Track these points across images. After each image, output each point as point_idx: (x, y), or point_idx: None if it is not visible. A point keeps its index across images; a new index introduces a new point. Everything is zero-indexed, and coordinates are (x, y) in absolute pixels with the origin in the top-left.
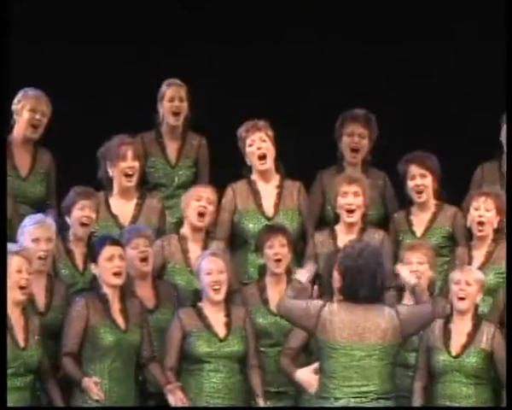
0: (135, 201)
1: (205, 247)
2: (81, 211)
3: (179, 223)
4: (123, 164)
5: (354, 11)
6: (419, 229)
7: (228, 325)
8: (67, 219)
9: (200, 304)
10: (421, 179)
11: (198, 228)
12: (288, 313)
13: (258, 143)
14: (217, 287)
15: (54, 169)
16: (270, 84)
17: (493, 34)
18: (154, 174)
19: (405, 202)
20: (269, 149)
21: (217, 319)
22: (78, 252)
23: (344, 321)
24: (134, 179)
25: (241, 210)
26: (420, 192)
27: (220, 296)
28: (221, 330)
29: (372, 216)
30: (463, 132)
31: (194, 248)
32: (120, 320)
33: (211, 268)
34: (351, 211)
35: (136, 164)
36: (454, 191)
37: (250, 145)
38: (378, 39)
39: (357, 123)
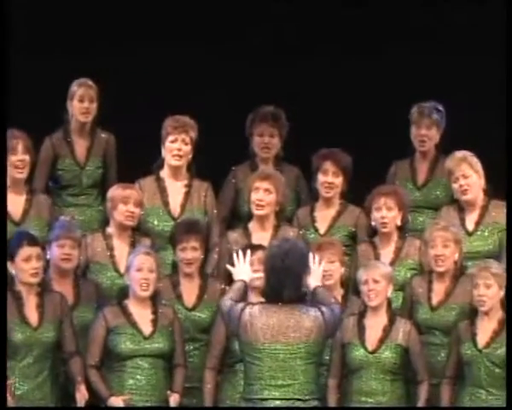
0: (24, 196)
1: (132, 244)
2: None
3: (104, 221)
4: (13, 157)
5: (259, 8)
6: (322, 226)
7: (154, 322)
8: None
9: (125, 301)
10: (332, 177)
11: (125, 228)
12: (222, 314)
13: (179, 145)
14: (145, 285)
15: None
16: (181, 82)
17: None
18: (64, 176)
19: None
20: (188, 152)
21: (143, 316)
22: None
23: (266, 322)
24: (24, 171)
25: (147, 207)
26: (330, 189)
27: (147, 293)
28: (146, 328)
29: (286, 211)
30: (377, 130)
31: (119, 246)
32: (34, 317)
33: (142, 266)
34: (260, 206)
35: (27, 157)
36: (366, 190)
37: (172, 142)
38: (292, 36)
39: (267, 123)
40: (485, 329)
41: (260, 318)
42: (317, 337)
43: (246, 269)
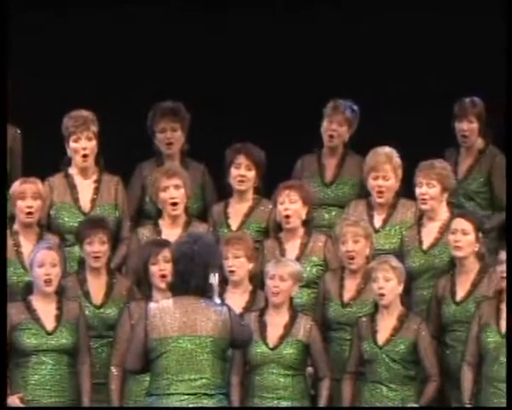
0: None
1: (39, 239)
2: None
3: (10, 217)
4: None
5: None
6: (235, 222)
7: (58, 318)
8: None
9: (30, 297)
10: (245, 170)
11: (29, 224)
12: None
13: (83, 143)
14: (48, 280)
15: None
16: (88, 73)
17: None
18: None
19: (225, 194)
20: (93, 147)
21: (46, 311)
22: None
23: (174, 315)
24: None
25: (58, 204)
26: (242, 182)
27: (51, 289)
28: (50, 323)
29: (192, 209)
30: (286, 125)
31: (26, 243)
32: None
33: (44, 261)
34: (174, 204)
35: None
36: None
37: (75, 141)
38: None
39: (167, 118)
40: (385, 326)
41: (168, 310)
42: (223, 332)
43: None
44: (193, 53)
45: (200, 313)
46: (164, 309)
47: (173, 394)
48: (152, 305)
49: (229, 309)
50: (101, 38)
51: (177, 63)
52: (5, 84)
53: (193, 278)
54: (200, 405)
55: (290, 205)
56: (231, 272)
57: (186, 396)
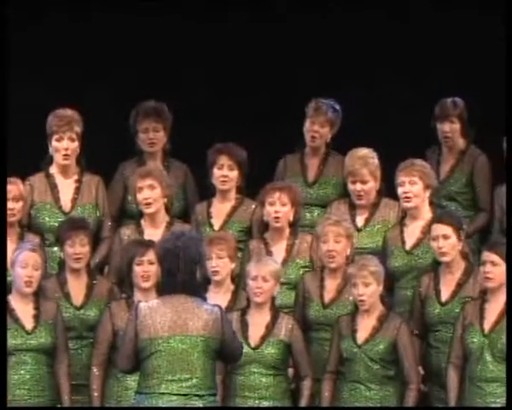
0: None
1: (20, 239)
2: None
3: None
4: None
5: None
6: (217, 221)
7: (36, 318)
8: None
9: (8, 297)
10: (227, 171)
11: (11, 224)
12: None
13: (66, 143)
14: (29, 282)
15: None
16: (71, 72)
17: None
18: None
19: (208, 194)
20: (75, 149)
21: (25, 311)
22: None
23: (164, 315)
24: None
25: (38, 204)
26: (225, 182)
27: (30, 290)
28: (29, 323)
29: (173, 209)
30: (270, 125)
31: (7, 243)
32: None
33: (27, 262)
34: (148, 204)
35: None
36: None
37: (57, 140)
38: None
39: (150, 118)
40: (365, 325)
41: (158, 310)
42: (214, 332)
43: None
44: (178, 53)
45: (191, 313)
46: (154, 309)
47: (163, 393)
48: (142, 305)
49: (221, 309)
50: (97, 38)
51: (165, 63)
52: (5, 84)
53: (179, 273)
54: (189, 405)
55: (281, 208)
56: (214, 272)
57: (176, 397)
